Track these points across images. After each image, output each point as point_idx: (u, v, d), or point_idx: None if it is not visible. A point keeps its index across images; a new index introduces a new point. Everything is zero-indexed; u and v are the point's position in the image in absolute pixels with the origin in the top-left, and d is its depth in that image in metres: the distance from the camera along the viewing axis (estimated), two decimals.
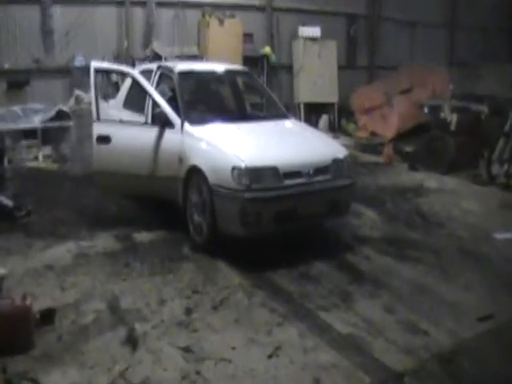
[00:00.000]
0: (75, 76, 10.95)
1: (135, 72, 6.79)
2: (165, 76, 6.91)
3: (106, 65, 7.55)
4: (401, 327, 4.45)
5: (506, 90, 11.24)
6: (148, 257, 5.61)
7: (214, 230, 5.53)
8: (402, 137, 10.35)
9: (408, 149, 9.88)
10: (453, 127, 9.71)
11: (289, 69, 13.51)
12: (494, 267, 5.71)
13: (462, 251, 6.07)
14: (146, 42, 12.11)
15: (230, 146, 5.68)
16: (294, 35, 13.67)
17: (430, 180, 8.94)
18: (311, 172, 5.63)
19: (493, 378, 3.86)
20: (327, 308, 4.67)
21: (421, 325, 4.48)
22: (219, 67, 7.59)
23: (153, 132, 6.22)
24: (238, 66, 8.65)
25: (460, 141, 9.46)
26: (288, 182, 5.48)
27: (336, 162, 5.88)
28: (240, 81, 8.23)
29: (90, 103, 9.83)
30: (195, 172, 5.72)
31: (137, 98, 6.90)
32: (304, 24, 13.60)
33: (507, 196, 8.30)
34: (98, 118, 6.35)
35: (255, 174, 5.34)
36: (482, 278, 5.41)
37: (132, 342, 4.07)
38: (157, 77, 6.92)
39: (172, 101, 6.47)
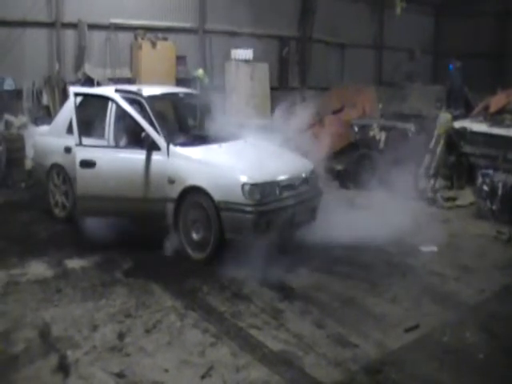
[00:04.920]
0: (4, 100, 10.74)
1: (116, 95, 6.76)
2: (129, 100, 6.78)
3: (85, 89, 7.63)
4: (331, 341, 4.59)
5: (430, 109, 11.76)
6: (80, 282, 5.56)
7: (220, 242, 5.95)
8: (333, 156, 10.61)
9: (339, 167, 10.15)
10: (381, 145, 10.05)
11: (222, 90, 13.66)
12: (420, 279, 5.95)
13: (389, 265, 6.30)
14: (78, 65, 12.01)
15: (233, 164, 6.24)
16: (227, 57, 13.85)
17: (360, 197, 9.19)
18: (298, 184, 6.42)
19: None
20: (259, 326, 4.76)
21: (350, 338, 4.63)
22: (176, 90, 7.98)
23: (138, 155, 6.37)
24: (190, 90, 8.85)
25: (388, 158, 9.79)
26: (285, 194, 6.21)
27: (310, 173, 6.74)
28: (195, 103, 8.30)
29: (19, 127, 9.76)
30: (194, 191, 6.07)
31: (92, 122, 6.92)
32: (237, 46, 13.81)
33: (433, 210, 8.66)
34: (81, 143, 6.45)
35: (263, 188, 5.96)
36: (409, 291, 5.64)
37: (64, 369, 4.04)
38: (116, 102, 6.79)
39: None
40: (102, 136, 6.84)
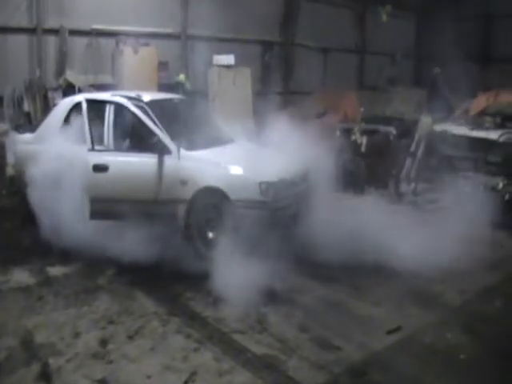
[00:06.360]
0: None
1: (127, 102, 6.79)
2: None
3: (95, 95, 7.63)
4: (314, 344, 4.61)
5: (411, 112, 11.86)
6: (62, 290, 5.53)
7: (233, 239, 5.98)
8: None
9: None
10: (363, 149, 10.09)
11: (204, 95, 13.65)
12: (403, 282, 5.97)
13: (373, 268, 6.28)
14: (60, 71, 11.92)
15: (246, 164, 6.46)
16: (209, 63, 13.84)
17: (342, 201, 9.13)
18: (298, 182, 6.76)
19: None
20: (242, 330, 4.77)
21: (333, 341, 4.66)
22: (169, 96, 8.10)
23: (149, 159, 6.48)
24: (180, 96, 8.99)
25: (370, 162, 9.85)
26: (293, 190, 6.53)
27: (306, 172, 7.06)
28: (188, 108, 8.33)
29: (0, 135, 9.66)
30: (208, 192, 6.25)
31: (94, 128, 6.86)
32: (219, 52, 13.81)
33: (414, 213, 8.70)
34: (93, 148, 6.64)
35: (277, 186, 6.26)
36: (392, 293, 5.68)
37: (46, 377, 4.03)
38: (128, 108, 6.81)
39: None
40: (101, 142, 6.80)
